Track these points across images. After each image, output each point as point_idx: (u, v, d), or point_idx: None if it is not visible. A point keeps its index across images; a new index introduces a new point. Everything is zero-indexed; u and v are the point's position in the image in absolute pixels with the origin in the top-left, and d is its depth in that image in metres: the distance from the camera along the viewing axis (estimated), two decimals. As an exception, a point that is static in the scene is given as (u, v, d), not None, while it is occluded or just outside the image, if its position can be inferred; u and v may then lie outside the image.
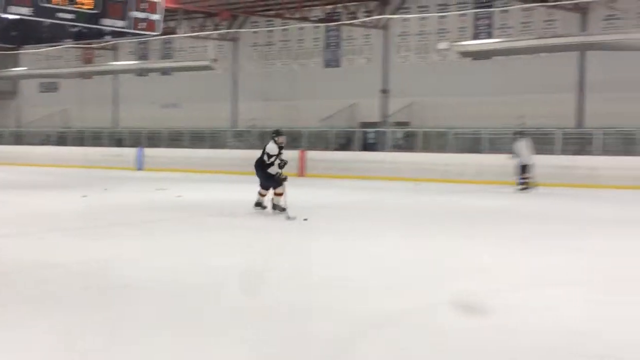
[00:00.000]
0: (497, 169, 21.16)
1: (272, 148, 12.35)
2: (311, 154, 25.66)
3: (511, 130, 23.53)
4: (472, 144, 24.41)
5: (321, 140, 27.71)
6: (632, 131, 21.60)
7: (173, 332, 5.00)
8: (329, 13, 28.91)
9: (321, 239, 9.71)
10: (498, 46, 24.80)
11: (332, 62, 30.45)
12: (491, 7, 26.28)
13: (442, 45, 25.35)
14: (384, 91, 28.70)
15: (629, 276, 7.14)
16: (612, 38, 22.59)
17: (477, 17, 26.72)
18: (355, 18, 27.70)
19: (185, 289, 6.38)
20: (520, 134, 19.15)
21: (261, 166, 12.37)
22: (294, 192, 12.34)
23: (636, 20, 23.45)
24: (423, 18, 27.44)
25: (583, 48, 23.92)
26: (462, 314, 5.61)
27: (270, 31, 31.27)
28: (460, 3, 26.77)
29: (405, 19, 27.77)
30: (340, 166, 24.74)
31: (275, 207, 12.38)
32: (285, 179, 12.20)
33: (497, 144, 24.01)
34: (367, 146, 26.82)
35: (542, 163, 21.11)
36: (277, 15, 29.77)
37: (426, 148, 24.97)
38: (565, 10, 24.31)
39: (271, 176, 12.21)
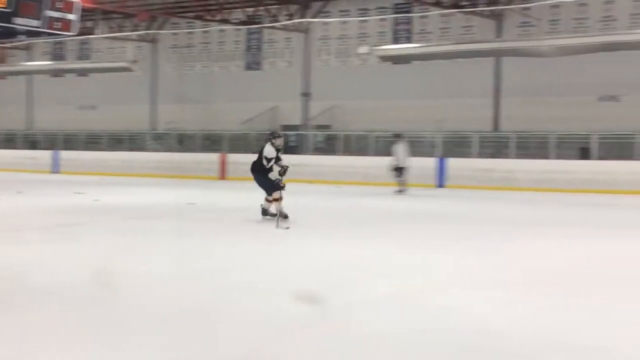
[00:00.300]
0: (417, 172, 21.46)
1: (269, 151, 11.62)
2: (232, 157, 25.48)
3: (430, 133, 24.01)
4: (392, 147, 24.65)
5: (242, 143, 27.55)
6: (546, 135, 22.24)
7: (87, 337, 4.86)
8: (250, 16, 28.78)
9: (239, 242, 9.63)
10: (417, 51, 25.20)
11: (253, 64, 30.34)
12: (410, 13, 26.67)
13: (363, 49, 25.57)
14: (305, 94, 28.77)
15: (546, 277, 7.32)
16: (526, 44, 23.24)
17: (396, 22, 27.07)
18: (276, 21, 27.68)
19: (101, 294, 6.22)
20: (398, 136, 19.48)
21: (259, 170, 11.65)
22: (215, 195, 12.24)
23: (549, 28, 24.20)
24: (344, 22, 27.62)
25: (499, 54, 24.53)
26: (382, 315, 5.64)
27: (191, 33, 30.96)
28: (380, 8, 27.07)
29: (326, 23, 27.90)
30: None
31: (264, 212, 11.81)
32: (283, 187, 11.50)
33: (416, 147, 24.37)
34: (289, 149, 26.81)
35: (461, 166, 21.61)
36: (197, 17, 29.48)
37: (347, 151, 25.14)
38: (481, 17, 24.88)
39: (269, 179, 11.50)
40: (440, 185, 21.66)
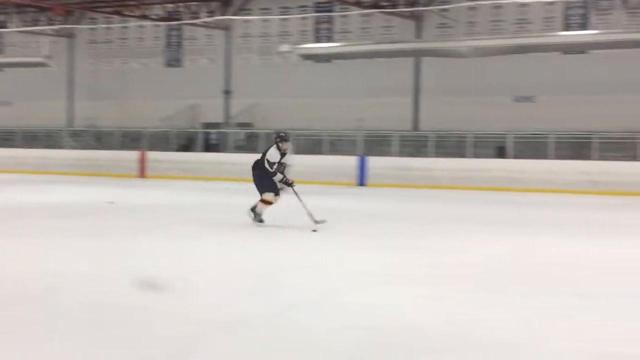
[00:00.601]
0: (338, 170, 21.66)
1: (273, 154, 10.81)
2: (152, 155, 25.13)
3: (351, 132, 24.22)
4: (313, 145, 24.80)
5: (162, 141, 27.20)
6: (463, 134, 22.72)
7: (5, 337, 4.73)
8: (170, 12, 28.43)
9: (160, 241, 9.50)
10: (338, 50, 25.37)
11: (173, 61, 29.97)
12: (331, 12, 26.83)
13: (284, 47, 25.57)
14: (227, 92, 28.59)
15: (466, 274, 7.48)
16: (444, 45, 23.70)
17: (318, 21, 27.19)
18: (197, 18, 27.41)
19: (21, 295, 6.05)
20: (284, 135, 19.46)
21: (258, 168, 10.94)
22: (134, 193, 12.03)
23: (466, 29, 24.73)
24: (265, 20, 27.57)
25: (418, 54, 24.92)
26: (304, 314, 5.66)
27: (109, 28, 30.35)
28: (301, 7, 27.13)
29: (247, 21, 27.79)
30: (182, 167, 24.40)
31: (254, 212, 10.93)
32: (292, 184, 10.91)
33: (337, 145, 24.57)
34: (210, 147, 26.62)
35: (381, 165, 21.86)
36: (115, 13, 28.90)
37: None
38: (401, 17, 25.22)
39: (267, 179, 10.81)
40: (361, 184, 21.88)
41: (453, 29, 24.85)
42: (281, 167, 10.87)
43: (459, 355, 4.62)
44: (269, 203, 10.90)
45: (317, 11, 26.88)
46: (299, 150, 24.41)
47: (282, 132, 11.14)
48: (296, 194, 10.96)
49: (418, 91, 25.57)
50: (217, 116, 28.42)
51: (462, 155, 22.41)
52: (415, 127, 25.50)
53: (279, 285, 6.73)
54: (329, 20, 27.04)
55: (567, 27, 23.53)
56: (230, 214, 12.34)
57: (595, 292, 6.61)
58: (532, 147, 22.08)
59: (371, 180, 21.74)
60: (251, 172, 11.13)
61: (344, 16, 26.58)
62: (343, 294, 6.40)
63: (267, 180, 10.86)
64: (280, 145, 10.85)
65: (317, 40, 27.01)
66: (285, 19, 27.19)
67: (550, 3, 23.27)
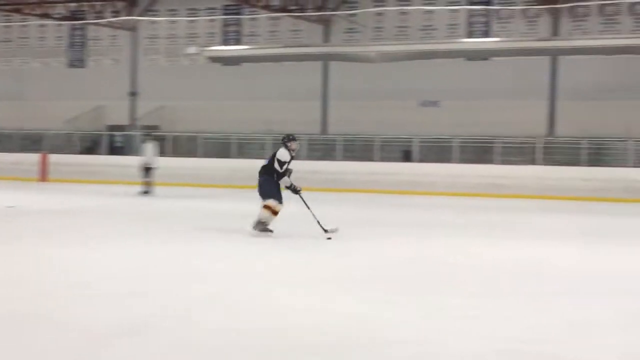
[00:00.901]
0: (246, 174, 21.52)
1: (283, 154, 10.45)
2: (54, 158, 24.37)
3: (259, 135, 24.15)
4: (222, 148, 24.62)
5: (65, 143, 26.44)
6: (371, 138, 23.00)
7: None
8: (73, 11, 27.70)
9: (65, 245, 9.22)
10: (246, 53, 25.28)
11: (76, 62, 29.19)
12: (240, 15, 26.71)
13: (191, 49, 25.29)
14: (132, 94, 28.06)
15: (369, 275, 7.55)
16: (352, 50, 23.98)
17: (226, 24, 27.02)
18: (101, 18, 26.80)
19: None
20: (148, 135, 19.56)
21: (266, 172, 10.55)
22: (35, 197, 11.64)
23: (373, 34, 25.08)
24: (172, 21, 27.21)
25: (326, 58, 25.11)
26: (205, 318, 5.59)
27: (8, 27, 29.31)
28: (209, 9, 26.91)
29: (154, 22, 27.35)
30: (85, 170, 23.76)
31: (259, 224, 10.34)
32: (299, 191, 10.63)
33: (246, 148, 24.46)
34: (115, 150, 26.05)
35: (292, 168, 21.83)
36: (15, 11, 27.93)
37: (176, 152, 24.76)
38: (309, 21, 25.35)
39: (273, 185, 10.44)
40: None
41: (360, 33, 25.15)
42: (287, 172, 10.53)
43: (362, 354, 4.66)
44: (273, 212, 10.42)
45: (225, 13, 26.72)
46: (207, 154, 24.26)
47: (289, 133, 10.87)
48: (304, 201, 10.73)
49: (326, 95, 25.75)
50: (122, 118, 27.85)
51: (369, 158, 22.69)
52: (324, 130, 25.66)
53: (173, 288, 6.62)
54: (238, 23, 26.92)
55: (471, 35, 24.18)
56: (131, 216, 12.08)
57: (496, 291, 6.79)
58: (437, 151, 22.57)
59: (280, 183, 21.71)
60: (258, 178, 10.76)
61: (253, 19, 26.51)
62: (243, 295, 6.35)
63: (273, 186, 10.50)
64: (289, 145, 10.55)
65: (225, 42, 26.84)
66: (192, 21, 26.90)
67: (454, 11, 23.85)
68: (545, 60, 23.37)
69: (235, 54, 25.40)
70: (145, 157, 18.35)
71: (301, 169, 21.52)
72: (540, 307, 6.10)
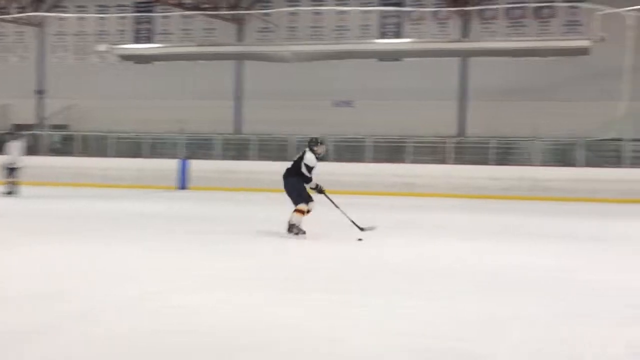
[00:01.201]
0: (158, 174, 21.25)
1: (311, 159, 10.45)
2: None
3: (172, 134, 23.83)
4: (133, 148, 24.18)
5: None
6: (285, 138, 23.01)
7: None
8: (-24, 6, 26.71)
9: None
10: (158, 51, 24.90)
11: (-20, 58, 28.17)
12: (151, 12, 26.29)
13: (101, 47, 24.74)
14: (40, 92, 27.25)
15: (286, 274, 7.54)
16: (265, 49, 23.93)
17: (137, 21, 26.56)
18: (7, 13, 25.94)
19: None
20: (13, 134, 19.18)
21: (292, 175, 10.55)
22: None
23: (287, 34, 25.10)
24: (81, 18, 26.57)
25: (240, 57, 25.00)
26: (121, 319, 5.47)
27: None
28: (120, 6, 26.38)
29: (62, 18, 26.64)
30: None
31: (293, 227, 10.40)
32: (323, 191, 10.62)
33: (158, 148, 24.10)
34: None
35: (203, 168, 21.64)
36: None
37: (85, 152, 24.19)
38: (223, 20, 25.16)
39: (301, 187, 10.46)
40: (183, 187, 21.58)
41: (274, 33, 25.13)
42: (316, 187, 10.62)
43: (274, 352, 4.64)
44: (304, 213, 10.45)
45: (137, 11, 26.25)
46: (120, 154, 23.77)
47: (316, 137, 10.82)
48: (332, 201, 10.79)
49: (240, 94, 25.63)
50: (29, 117, 27.01)
51: (284, 158, 22.66)
52: (238, 130, 25.53)
53: (96, 288, 6.46)
54: (149, 21, 26.50)
55: (383, 36, 24.50)
56: (36, 218, 11.71)
57: (408, 289, 6.87)
58: (351, 150, 22.76)
59: (193, 183, 21.49)
60: (283, 181, 10.70)
61: (165, 17, 26.16)
62: (161, 298, 6.24)
63: (301, 189, 10.51)
64: (315, 149, 10.54)
65: (137, 40, 26.39)
66: (102, 18, 26.33)
67: (367, 12, 24.10)
68: (455, 62, 23.89)
69: (147, 52, 24.99)
70: (9, 157, 17.55)
71: (215, 168, 21.59)
72: (453, 305, 6.20)
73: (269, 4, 25.02)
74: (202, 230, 11.46)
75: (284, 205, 10.43)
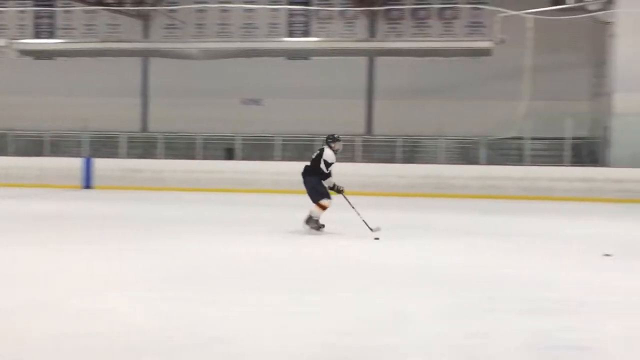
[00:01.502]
0: (61, 172, 20.63)
1: (330, 155, 10.72)
2: None
3: (76, 132, 23.21)
4: (35, 146, 23.43)
5: None
6: (193, 136, 22.76)
7: None
8: None
9: None
10: (61, 47, 24.22)
11: None
12: (53, 7, 25.53)
13: (0, 42, 23.87)
14: None
15: (194, 273, 7.46)
16: (172, 46, 23.60)
17: (38, 16, 25.74)
18: None
19: None
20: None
21: (311, 173, 10.74)
22: None
23: (195, 31, 24.83)
24: (-22, 11, 25.56)
25: (146, 54, 24.57)
26: (27, 322, 5.30)
27: None
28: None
29: (-43, 11, 25.56)
30: None
31: (312, 221, 10.72)
32: (342, 191, 10.85)
33: (61, 146, 23.43)
34: None
35: (108, 167, 21.17)
36: None
37: (-17, 151, 23.31)
38: (128, 16, 24.69)
39: (321, 185, 10.69)
40: (87, 186, 21.03)
41: (181, 30, 24.82)
42: (334, 186, 10.89)
43: (184, 354, 4.59)
44: (324, 208, 10.75)
45: (37, 5, 25.45)
46: (20, 152, 23.00)
47: (333, 134, 11.06)
48: (348, 200, 11.00)
49: (146, 92, 25.20)
50: None
51: (191, 157, 22.44)
52: (144, 128, 25.09)
53: (11, 292, 6.24)
54: (51, 15, 25.71)
55: (291, 34, 24.56)
56: None
57: (315, 286, 6.91)
58: (260, 148, 22.72)
59: (98, 182, 20.98)
60: (302, 179, 10.91)
61: (67, 11, 25.44)
62: (64, 300, 6.08)
63: (321, 186, 10.77)
64: (332, 145, 10.83)
65: (38, 35, 25.57)
66: (1, 12, 25.38)
67: (275, 10, 24.12)
68: (363, 61, 24.19)
69: (49, 47, 24.26)
70: None
71: (121, 167, 21.14)
72: (357, 300, 6.27)
73: (176, 1, 24.70)
74: (110, 229, 11.21)
75: (194, 205, 10.38)
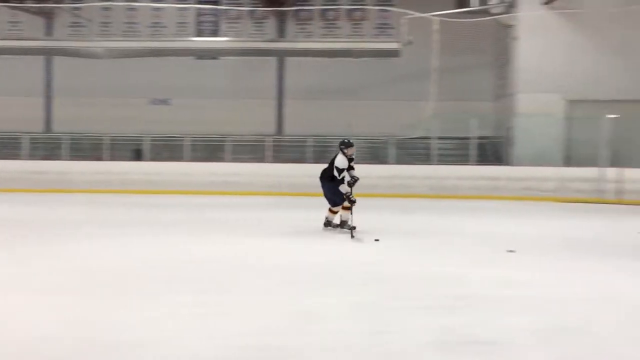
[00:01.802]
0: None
1: (341, 161, 10.82)
2: None
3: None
4: None
5: None
6: (100, 136, 22.26)
7: None
8: None
9: None
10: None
11: None
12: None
13: None
14: None
15: (102, 277, 7.29)
16: (76, 45, 23.00)
17: None
18: None
19: None
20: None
21: (328, 180, 10.99)
22: None
23: (100, 30, 24.27)
24: None
25: (49, 53, 23.88)
26: None
27: None
28: None
29: None
30: None
31: (342, 223, 11.08)
32: (354, 202, 10.70)
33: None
34: None
35: (10, 168, 20.46)
36: None
37: None
38: (30, 13, 23.94)
39: (337, 191, 10.81)
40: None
41: (87, 28, 24.23)
42: (352, 179, 10.88)
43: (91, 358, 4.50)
44: (348, 209, 10.99)
45: None
46: None
47: (346, 139, 11.12)
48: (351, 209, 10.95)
49: (49, 91, 24.49)
50: None
51: (98, 157, 21.93)
52: (48, 129, 24.37)
53: None
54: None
55: (200, 34, 24.32)
56: None
57: (219, 287, 6.86)
58: (169, 149, 22.40)
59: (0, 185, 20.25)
60: (320, 183, 11.22)
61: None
62: None
63: (337, 192, 10.90)
64: (345, 151, 10.92)
65: None
66: None
67: (183, 9, 23.83)
68: (272, 61, 24.17)
69: None
70: None
71: (23, 169, 20.45)
72: (265, 301, 6.25)
73: (81, -2, 24.11)
74: (12, 234, 10.83)
75: (101, 207, 10.11)
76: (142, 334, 5.13)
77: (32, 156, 21.96)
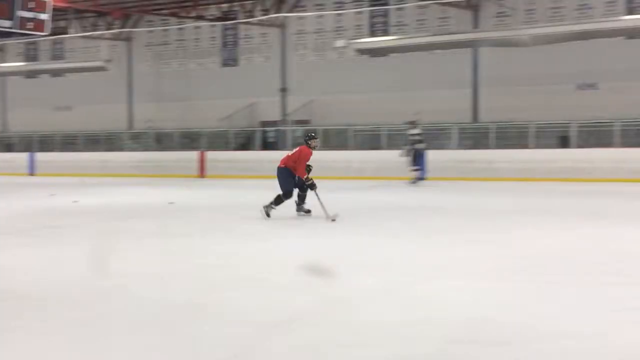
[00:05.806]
0: (396, 165, 21.41)
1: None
2: (211, 155, 25.31)
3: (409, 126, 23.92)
4: (372, 140, 24.64)
5: (221, 141, 27.40)
6: (525, 124, 22.27)
7: (72, 340, 4.73)
8: (225, 12, 28.61)
9: (223, 240, 9.48)
10: (394, 43, 25.12)
11: (229, 61, 30.13)
12: (387, 5, 26.59)
13: (339, 43, 25.47)
14: (283, 89, 28.62)
15: (530, 265, 7.28)
16: (503, 34, 23.27)
17: (373, 15, 26.99)
18: (252, 16, 27.49)
19: (89, 295, 6.06)
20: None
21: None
22: (195, 193, 12.02)
23: (525, 17, 24.23)
24: (320, 16, 27.51)
25: (476, 44, 24.51)
26: (370, 307, 5.54)
27: (165, 30, 30.67)
28: (356, 1, 26.98)
29: (301, 17, 27.77)
30: (240, 166, 24.48)
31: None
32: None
33: (396, 140, 24.31)
34: (268, 145, 26.67)
35: (441, 158, 21.54)
36: (172, 14, 29.24)
37: (327, 145, 25.01)
38: (458, 8, 24.86)
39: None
40: (421, 178, 21.57)
41: (511, 17, 24.37)
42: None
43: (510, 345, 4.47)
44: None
45: (372, 5, 26.70)
46: (357, 146, 24.35)
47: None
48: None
49: (477, 82, 25.14)
50: (274, 114, 28.47)
51: (524, 146, 21.95)
52: (475, 118, 25.11)
53: (342, 281, 6.62)
54: (385, 14, 26.82)
55: (631, 11, 22.81)
56: (292, 210, 12.24)
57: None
58: (596, 135, 21.52)
59: (432, 173, 21.43)
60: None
61: (400, 9, 26.33)
62: (410, 286, 6.30)
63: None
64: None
65: (373, 34, 26.81)
66: (339, 14, 27.07)
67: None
68: None
69: (383, 44, 25.32)
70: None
71: (452, 158, 21.38)
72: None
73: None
74: (447, 220, 11.39)
75: (526, 195, 9.95)
76: (585, 324, 4.95)
77: (460, 146, 22.82)
